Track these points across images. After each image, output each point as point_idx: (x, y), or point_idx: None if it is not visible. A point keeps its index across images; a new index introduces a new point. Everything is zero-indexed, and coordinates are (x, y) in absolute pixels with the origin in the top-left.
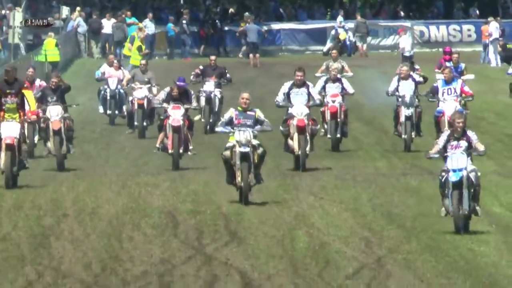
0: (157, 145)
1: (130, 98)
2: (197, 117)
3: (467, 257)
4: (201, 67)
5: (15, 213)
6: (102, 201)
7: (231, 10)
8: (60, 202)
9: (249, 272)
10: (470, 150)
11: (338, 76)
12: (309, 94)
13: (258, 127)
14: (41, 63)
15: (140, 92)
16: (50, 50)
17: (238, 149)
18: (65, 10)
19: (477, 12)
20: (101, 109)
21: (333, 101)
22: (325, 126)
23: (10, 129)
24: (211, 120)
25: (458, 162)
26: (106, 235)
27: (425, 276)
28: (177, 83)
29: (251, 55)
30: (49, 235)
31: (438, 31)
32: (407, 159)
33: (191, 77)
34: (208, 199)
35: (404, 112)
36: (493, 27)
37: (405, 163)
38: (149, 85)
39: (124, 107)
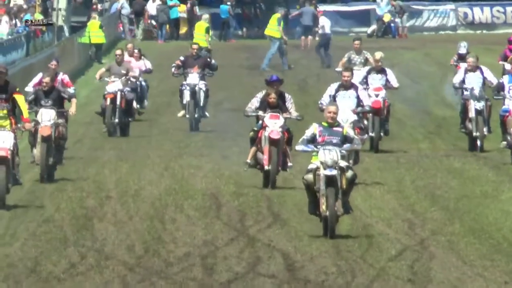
0: (248, 160)
1: (105, 93)
2: (180, 113)
3: (511, 239)
4: (181, 57)
5: (58, 196)
6: (145, 183)
7: None
8: (103, 184)
9: (292, 253)
10: None
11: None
12: (358, 97)
13: (347, 145)
14: (85, 45)
15: (112, 86)
16: (94, 32)
17: (323, 172)
18: None
19: None
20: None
21: (376, 96)
22: (365, 122)
23: (2, 139)
24: (196, 116)
25: None
26: (149, 217)
27: (468, 258)
28: (271, 80)
29: (303, 37)
30: (92, 217)
31: (482, 12)
32: (450, 140)
33: (172, 69)
34: (251, 182)
35: (474, 106)
36: None
37: (448, 144)
38: (124, 77)
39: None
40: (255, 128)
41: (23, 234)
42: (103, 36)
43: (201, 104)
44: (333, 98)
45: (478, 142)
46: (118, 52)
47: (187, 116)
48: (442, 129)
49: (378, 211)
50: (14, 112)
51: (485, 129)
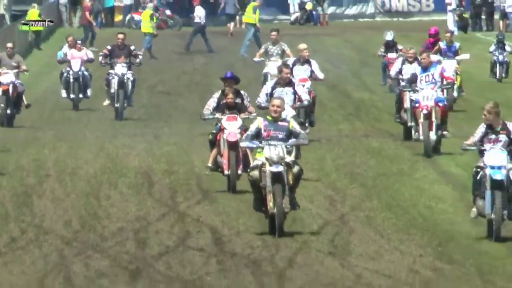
0: (209, 164)
1: None
2: (106, 102)
3: (425, 214)
4: (108, 47)
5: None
6: (82, 162)
7: None
8: (42, 163)
9: (220, 228)
10: (511, 147)
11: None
12: (295, 93)
13: (292, 140)
14: (24, 33)
15: (5, 78)
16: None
17: (268, 169)
18: None
19: None
20: (63, 93)
21: (302, 86)
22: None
23: None
24: (125, 106)
25: (496, 159)
26: (85, 194)
27: (385, 232)
28: (227, 77)
29: (228, 25)
30: (32, 194)
31: (398, 1)
32: (368, 122)
33: (100, 58)
34: (181, 160)
35: (410, 96)
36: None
37: (367, 125)
38: (16, 70)
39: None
40: (214, 131)
41: None
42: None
43: (128, 93)
44: (270, 96)
45: (413, 131)
46: (9, 45)
47: (116, 105)
48: (361, 111)
49: (301, 188)
50: None
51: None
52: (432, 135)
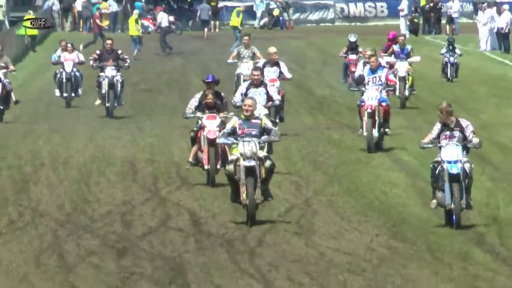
0: (190, 159)
1: None
2: (97, 102)
3: (381, 198)
4: (98, 51)
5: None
6: (73, 152)
7: None
8: (38, 153)
9: (197, 211)
10: (465, 141)
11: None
12: (267, 93)
13: (265, 137)
14: (21, 36)
15: None
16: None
17: (242, 163)
18: None
19: None
20: (57, 92)
21: (272, 85)
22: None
23: None
24: (116, 105)
25: (453, 154)
26: (76, 181)
27: (345, 214)
28: (208, 80)
29: (206, 29)
30: (29, 181)
31: (356, 7)
32: (330, 115)
33: (91, 61)
34: (162, 150)
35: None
36: (404, 5)
37: (328, 119)
38: (5, 70)
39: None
40: (195, 129)
41: None
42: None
43: (118, 94)
44: (244, 96)
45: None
46: None
47: (107, 104)
48: (323, 106)
49: None
50: None
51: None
52: (375, 132)
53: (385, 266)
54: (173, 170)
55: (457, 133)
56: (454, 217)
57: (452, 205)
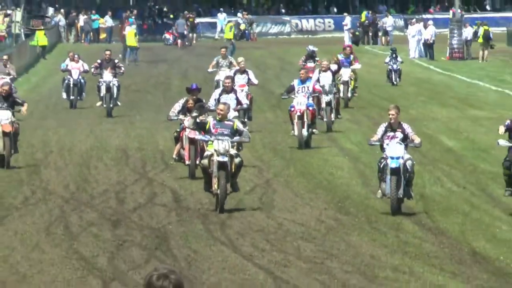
0: (174, 156)
1: None
2: (98, 103)
3: (328, 178)
4: (98, 61)
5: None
6: (76, 142)
7: (164, 9)
8: (47, 142)
9: (178, 190)
10: (407, 141)
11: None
12: (237, 99)
13: (237, 138)
14: (34, 47)
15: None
16: (41, 37)
17: (216, 158)
18: (50, 10)
19: (335, 9)
20: (64, 95)
21: (241, 90)
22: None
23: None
24: (111, 105)
25: (395, 151)
26: (79, 165)
27: (299, 192)
28: (192, 88)
29: (179, 41)
30: (40, 165)
31: (308, 22)
32: (287, 111)
33: (92, 69)
34: (149, 140)
35: (325, 99)
36: (347, 20)
37: (285, 114)
38: (11, 76)
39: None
40: (178, 129)
41: None
42: (46, 40)
43: (115, 96)
44: (218, 101)
45: (326, 125)
46: (5, 57)
47: (104, 105)
48: (281, 103)
49: None
50: None
51: (332, 115)
52: (304, 132)
53: (331, 234)
54: (158, 156)
55: (399, 134)
56: (391, 206)
57: (390, 194)
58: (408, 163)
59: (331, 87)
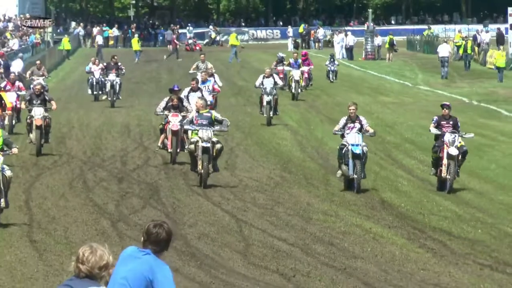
0: (159, 144)
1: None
2: (103, 97)
3: (276, 147)
4: (105, 63)
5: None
6: (91, 120)
7: (156, 22)
8: (70, 120)
9: (167, 156)
10: (363, 131)
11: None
12: (202, 95)
13: (217, 127)
14: (61, 50)
15: (37, 81)
16: (66, 43)
17: (200, 144)
18: (73, 24)
19: (281, 23)
20: (89, 91)
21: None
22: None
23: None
24: (115, 99)
25: (356, 139)
26: (94, 137)
27: (255, 157)
28: (174, 88)
29: (168, 46)
30: (65, 137)
31: (261, 32)
32: (246, 98)
33: (99, 71)
34: (145, 118)
35: (265, 99)
36: (290, 31)
37: (245, 100)
38: (43, 77)
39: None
40: (163, 123)
41: (30, 145)
42: (70, 45)
43: (117, 92)
44: (187, 98)
45: (266, 120)
46: (38, 62)
47: (109, 99)
48: (242, 91)
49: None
50: (1, 104)
51: (271, 113)
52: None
53: (278, 188)
54: (152, 130)
55: (357, 125)
56: (355, 184)
57: (355, 175)
58: (365, 149)
59: (272, 90)
